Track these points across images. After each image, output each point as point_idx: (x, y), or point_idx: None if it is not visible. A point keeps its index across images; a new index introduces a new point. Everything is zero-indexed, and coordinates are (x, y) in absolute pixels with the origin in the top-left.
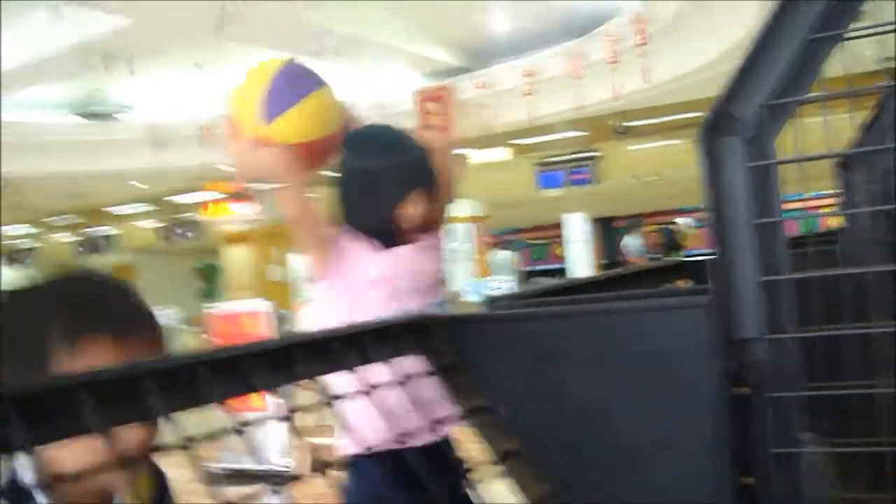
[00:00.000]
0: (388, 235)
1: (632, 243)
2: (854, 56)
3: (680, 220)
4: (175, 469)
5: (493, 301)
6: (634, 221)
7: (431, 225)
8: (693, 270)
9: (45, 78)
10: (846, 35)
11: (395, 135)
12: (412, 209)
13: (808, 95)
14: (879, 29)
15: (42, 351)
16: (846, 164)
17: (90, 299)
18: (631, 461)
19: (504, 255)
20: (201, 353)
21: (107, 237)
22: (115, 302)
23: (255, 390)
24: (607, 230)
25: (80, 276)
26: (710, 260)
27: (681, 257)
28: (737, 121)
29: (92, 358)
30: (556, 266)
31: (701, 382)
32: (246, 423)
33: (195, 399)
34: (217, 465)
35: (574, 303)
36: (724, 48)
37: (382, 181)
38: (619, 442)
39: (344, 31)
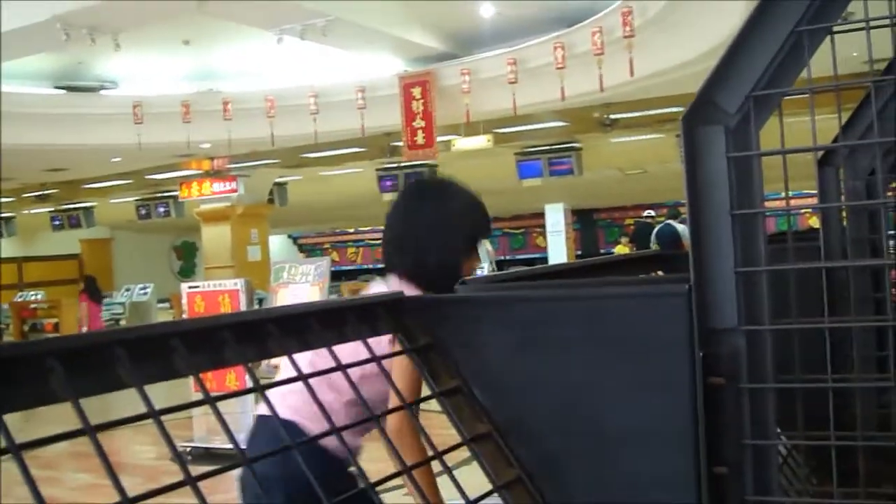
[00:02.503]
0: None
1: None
2: (840, 58)
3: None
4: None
5: (466, 283)
6: (673, 211)
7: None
8: (671, 262)
9: (29, 49)
10: (834, 29)
11: (457, 186)
12: (474, 256)
13: (794, 88)
14: (866, 24)
15: None
16: (828, 161)
17: None
18: (604, 446)
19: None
20: (174, 323)
21: (85, 212)
22: None
23: (228, 364)
24: (587, 221)
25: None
26: (689, 249)
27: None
28: (720, 110)
29: None
30: (537, 255)
31: (677, 371)
32: (217, 398)
33: (167, 370)
34: (185, 444)
35: (552, 287)
36: (710, 44)
37: (459, 226)
38: (594, 427)
39: (331, 12)
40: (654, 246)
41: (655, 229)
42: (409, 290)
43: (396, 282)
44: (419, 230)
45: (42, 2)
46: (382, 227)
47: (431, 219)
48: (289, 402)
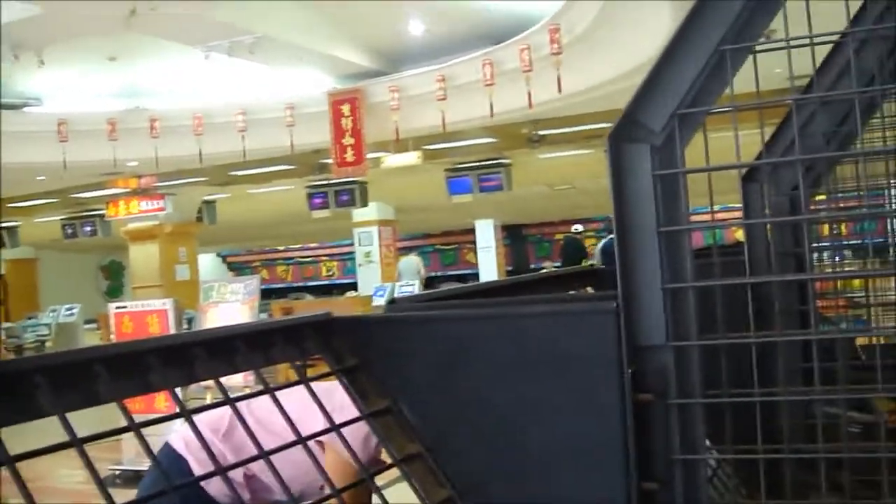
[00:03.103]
0: None
1: None
2: (763, 73)
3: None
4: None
5: (395, 303)
6: (610, 225)
7: None
8: (601, 278)
9: None
10: (756, 47)
11: None
12: None
13: (718, 106)
14: (787, 43)
15: None
16: (752, 177)
17: None
18: (535, 465)
19: (409, 260)
20: (97, 349)
21: (9, 231)
22: None
23: (154, 389)
24: (517, 237)
25: None
26: (617, 266)
27: (587, 265)
28: (645, 128)
29: None
30: (468, 271)
31: (605, 388)
32: (142, 424)
33: (90, 397)
34: (114, 468)
35: (481, 306)
36: (637, 61)
37: None
38: (524, 445)
39: (258, 29)
40: (596, 262)
41: (600, 245)
42: None
43: None
44: None
45: None
46: (312, 245)
47: None
48: (189, 438)
